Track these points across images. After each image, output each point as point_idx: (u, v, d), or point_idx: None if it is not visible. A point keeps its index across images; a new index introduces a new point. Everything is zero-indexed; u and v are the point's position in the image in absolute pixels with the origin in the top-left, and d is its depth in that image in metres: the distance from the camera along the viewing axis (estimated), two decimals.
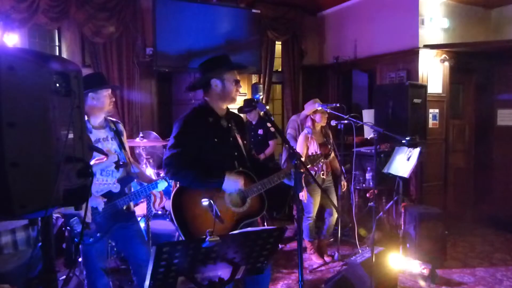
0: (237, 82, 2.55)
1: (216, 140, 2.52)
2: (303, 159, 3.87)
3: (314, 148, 4.24)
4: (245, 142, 2.69)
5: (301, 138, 4.36)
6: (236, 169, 2.55)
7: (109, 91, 2.82)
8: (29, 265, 1.86)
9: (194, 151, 2.46)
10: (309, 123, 4.37)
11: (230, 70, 2.54)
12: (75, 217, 2.58)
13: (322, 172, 4.29)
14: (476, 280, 4.06)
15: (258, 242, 1.78)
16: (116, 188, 2.73)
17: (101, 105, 2.75)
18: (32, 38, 5.15)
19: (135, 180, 3.01)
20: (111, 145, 2.82)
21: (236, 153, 2.60)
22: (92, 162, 2.56)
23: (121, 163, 2.78)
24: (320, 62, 7.41)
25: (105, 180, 2.73)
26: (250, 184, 2.54)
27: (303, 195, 4.20)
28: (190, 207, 2.45)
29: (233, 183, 2.44)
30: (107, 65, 5.46)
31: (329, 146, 4.40)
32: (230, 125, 2.63)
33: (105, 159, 2.60)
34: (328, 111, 4.37)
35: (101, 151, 2.60)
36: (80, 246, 2.67)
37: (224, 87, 2.52)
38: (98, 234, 2.65)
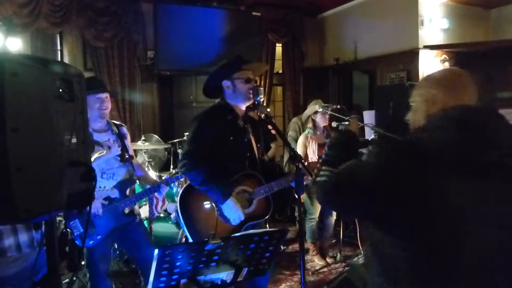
0: (248, 81, 2.53)
1: (231, 138, 2.53)
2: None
3: (313, 149, 4.24)
4: (258, 145, 2.70)
5: (301, 139, 4.37)
6: (246, 169, 2.57)
7: (101, 95, 2.67)
8: (33, 268, 1.87)
9: (209, 149, 2.46)
10: (310, 124, 4.39)
11: (239, 70, 2.55)
12: (75, 220, 2.59)
13: None
14: None
15: (260, 244, 1.79)
16: (114, 193, 2.73)
17: (90, 110, 2.69)
18: (34, 43, 5.18)
19: (138, 182, 3.02)
20: (115, 147, 2.81)
21: (248, 154, 2.61)
22: (95, 156, 2.56)
23: (126, 156, 2.77)
24: (321, 64, 7.42)
25: (105, 186, 2.72)
26: (258, 186, 2.55)
27: (302, 196, 4.21)
28: (197, 207, 2.47)
29: (233, 210, 2.42)
30: (109, 69, 5.48)
31: None
32: (246, 126, 2.64)
33: (106, 152, 2.60)
34: (329, 112, 4.37)
35: (98, 143, 2.61)
36: (83, 249, 2.68)
37: (235, 87, 2.53)
38: (98, 237, 2.66)
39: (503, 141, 1.16)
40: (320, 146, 4.31)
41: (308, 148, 4.26)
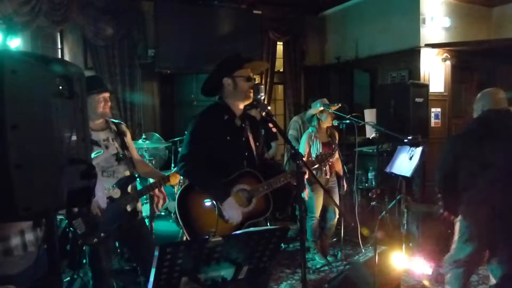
0: (249, 79, 2.53)
1: (228, 138, 2.53)
2: (305, 158, 3.87)
3: (316, 147, 4.24)
4: (257, 143, 2.70)
5: (304, 137, 4.36)
6: (245, 168, 2.57)
7: (104, 95, 2.73)
8: (35, 266, 1.87)
9: (207, 149, 2.47)
10: (315, 122, 4.38)
11: (240, 68, 2.54)
12: (78, 218, 2.59)
13: (325, 172, 4.29)
14: (480, 278, 4.05)
15: (260, 242, 1.78)
16: (116, 193, 2.73)
17: (92, 109, 2.67)
18: (34, 41, 5.18)
19: (138, 180, 3.01)
20: (112, 146, 2.81)
21: (246, 153, 2.61)
22: (92, 156, 2.57)
23: (121, 155, 2.78)
24: (322, 62, 7.42)
25: (106, 184, 2.72)
26: (257, 184, 2.55)
27: (305, 193, 4.21)
28: (196, 206, 2.46)
29: (232, 209, 2.41)
30: (109, 67, 5.48)
31: (333, 146, 4.40)
32: (244, 125, 2.63)
33: (103, 151, 2.61)
34: (330, 111, 4.37)
35: (95, 143, 2.62)
36: (85, 247, 2.68)
37: (236, 85, 2.51)
38: (102, 235, 2.65)
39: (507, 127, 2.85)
40: (324, 145, 4.31)
41: (311, 146, 4.25)
